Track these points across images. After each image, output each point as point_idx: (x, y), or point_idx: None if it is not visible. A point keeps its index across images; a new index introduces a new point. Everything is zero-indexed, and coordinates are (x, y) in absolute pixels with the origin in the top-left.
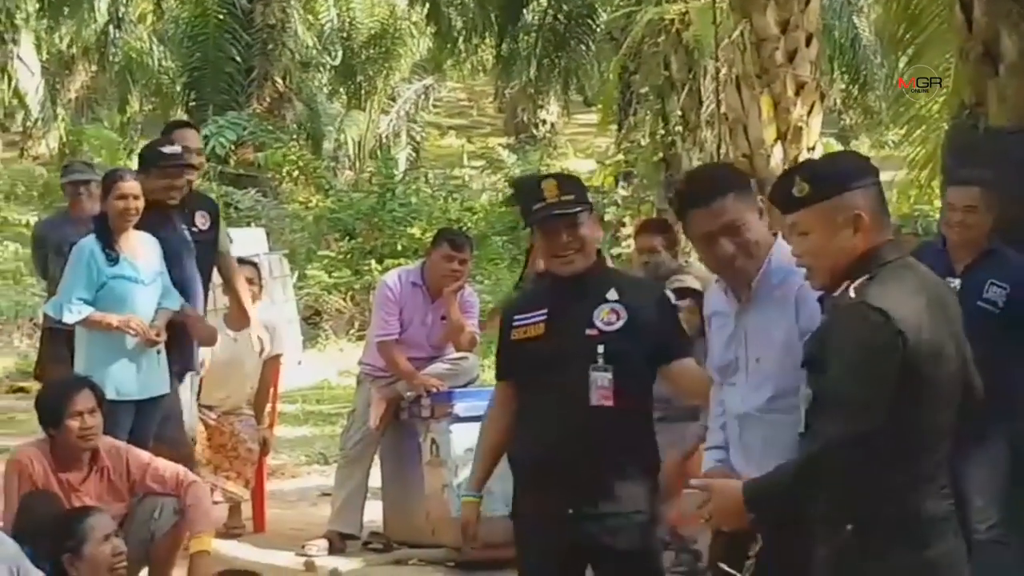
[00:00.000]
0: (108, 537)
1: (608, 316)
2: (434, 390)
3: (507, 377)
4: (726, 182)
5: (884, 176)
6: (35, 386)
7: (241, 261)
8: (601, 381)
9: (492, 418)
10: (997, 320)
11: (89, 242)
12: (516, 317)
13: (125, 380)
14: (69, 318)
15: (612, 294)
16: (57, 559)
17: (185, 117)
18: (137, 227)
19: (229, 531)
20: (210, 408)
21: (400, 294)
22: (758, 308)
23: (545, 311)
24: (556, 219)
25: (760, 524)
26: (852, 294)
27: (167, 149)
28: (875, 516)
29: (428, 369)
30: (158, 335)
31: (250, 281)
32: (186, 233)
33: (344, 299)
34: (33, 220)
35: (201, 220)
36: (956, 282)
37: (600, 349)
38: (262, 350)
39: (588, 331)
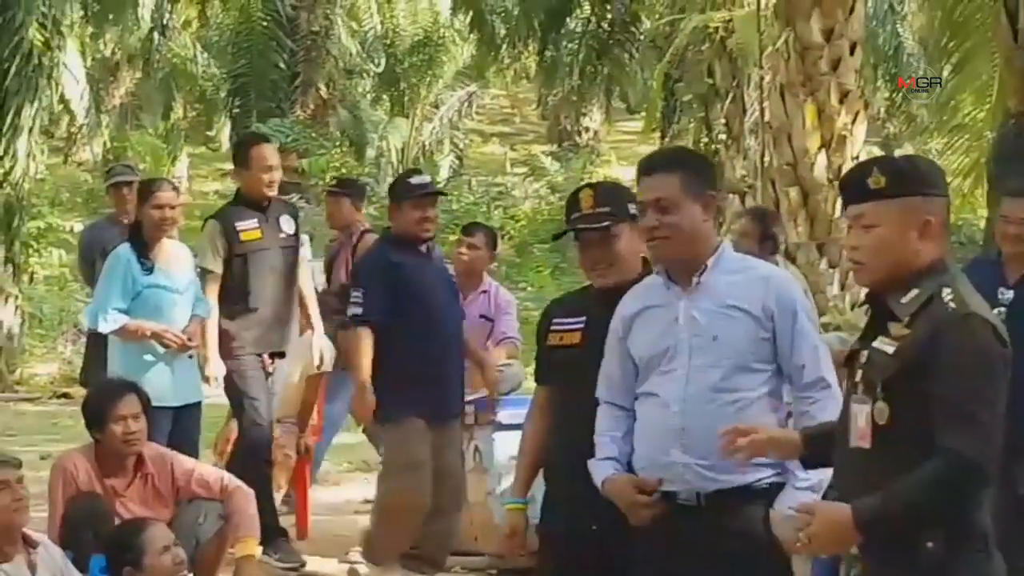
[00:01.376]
0: (168, 548)
1: None
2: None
3: (546, 382)
4: (678, 163)
5: None
6: (80, 392)
7: None
8: None
9: (533, 422)
10: None
11: (124, 250)
12: (555, 321)
13: (161, 388)
14: (105, 327)
15: None
16: (117, 572)
17: (229, 124)
18: (391, 262)
19: None
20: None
21: None
22: (713, 290)
23: (583, 319)
24: (587, 232)
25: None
26: (952, 305)
27: (415, 180)
28: (956, 531)
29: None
30: (190, 339)
31: None
32: (443, 265)
33: None
34: (77, 227)
35: (286, 224)
36: (1009, 293)
37: None
38: (320, 363)
39: None
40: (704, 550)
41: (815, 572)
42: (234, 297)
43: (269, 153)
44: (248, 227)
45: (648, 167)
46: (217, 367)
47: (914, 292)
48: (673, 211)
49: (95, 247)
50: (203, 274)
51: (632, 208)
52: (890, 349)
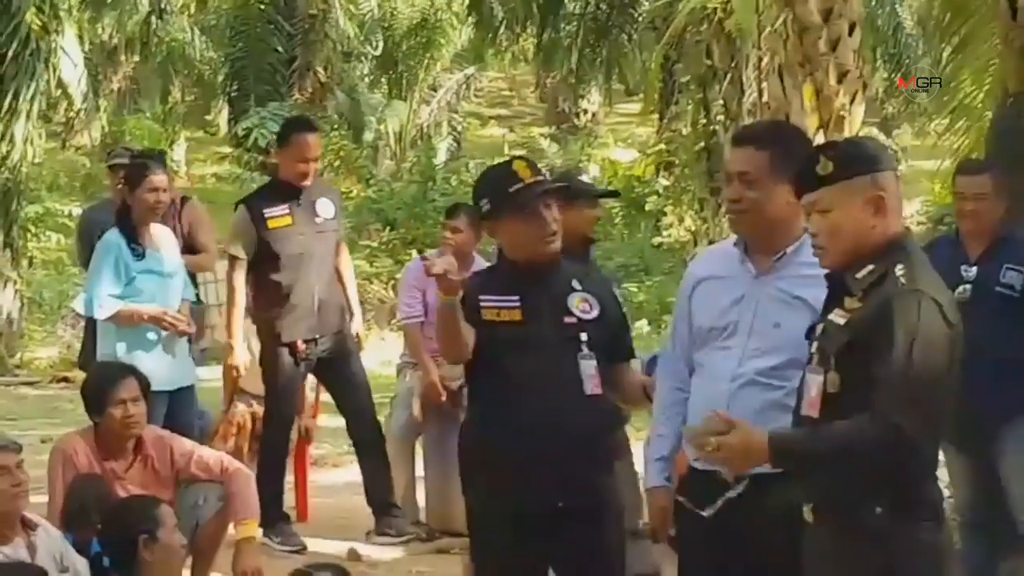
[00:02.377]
0: (176, 527)
1: (582, 305)
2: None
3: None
4: (772, 140)
5: (927, 165)
6: (79, 375)
7: None
8: (589, 369)
9: None
10: (1016, 303)
11: (114, 236)
12: (484, 297)
13: (155, 372)
14: (100, 314)
15: (576, 283)
16: (131, 540)
17: (227, 108)
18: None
19: None
20: (253, 397)
21: (419, 276)
22: (786, 278)
23: (517, 297)
24: (542, 197)
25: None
26: (902, 281)
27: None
28: (903, 499)
29: None
30: (188, 324)
31: None
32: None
33: (386, 289)
34: (76, 211)
35: (323, 208)
36: (972, 270)
37: (583, 337)
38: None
39: (566, 319)
40: (741, 530)
41: None
42: (265, 284)
43: (311, 143)
44: (276, 213)
45: (741, 138)
46: (242, 356)
47: (869, 267)
48: (757, 188)
49: (94, 229)
50: (230, 260)
51: None
52: (842, 321)
